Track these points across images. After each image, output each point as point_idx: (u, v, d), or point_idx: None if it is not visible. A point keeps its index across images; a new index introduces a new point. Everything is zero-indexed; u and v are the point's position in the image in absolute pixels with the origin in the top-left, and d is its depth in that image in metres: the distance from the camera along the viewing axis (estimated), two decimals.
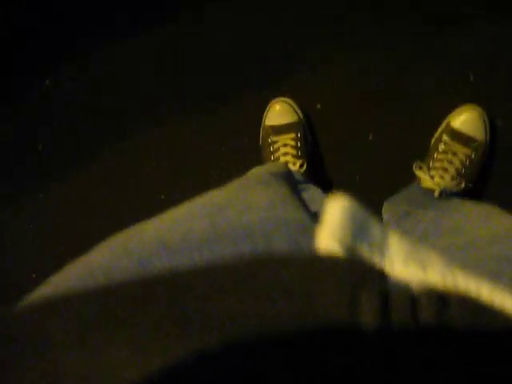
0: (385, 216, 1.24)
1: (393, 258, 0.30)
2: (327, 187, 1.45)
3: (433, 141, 1.36)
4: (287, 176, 1.01)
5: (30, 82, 1.69)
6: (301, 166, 1.36)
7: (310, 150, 1.45)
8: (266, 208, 0.46)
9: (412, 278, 0.29)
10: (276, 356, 0.23)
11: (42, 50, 1.68)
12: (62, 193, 1.67)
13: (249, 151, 1.52)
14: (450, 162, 1.29)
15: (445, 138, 1.32)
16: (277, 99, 1.45)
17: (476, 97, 1.36)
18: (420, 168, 1.30)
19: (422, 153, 1.37)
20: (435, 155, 1.31)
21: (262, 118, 1.47)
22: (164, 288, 0.27)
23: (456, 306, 0.26)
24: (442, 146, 1.31)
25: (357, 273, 0.27)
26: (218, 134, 1.57)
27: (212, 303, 0.25)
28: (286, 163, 1.35)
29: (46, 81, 1.68)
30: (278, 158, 1.39)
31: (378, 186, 1.44)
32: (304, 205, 0.57)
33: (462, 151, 1.29)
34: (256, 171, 1.03)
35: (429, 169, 1.29)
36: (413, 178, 1.33)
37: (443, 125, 1.35)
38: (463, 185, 1.27)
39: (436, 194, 1.23)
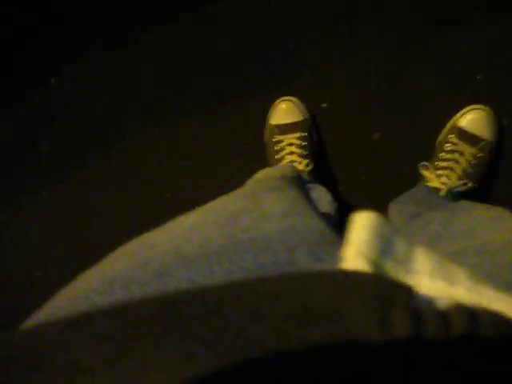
0: (391, 216, 1.24)
1: (419, 273, 0.30)
2: (333, 186, 1.45)
3: (439, 140, 1.35)
4: (297, 179, 1.00)
5: (30, 81, 1.69)
6: (306, 165, 1.35)
7: (316, 149, 1.45)
8: (281, 216, 0.45)
9: (439, 293, 0.29)
10: (307, 378, 0.22)
11: (42, 50, 1.68)
12: (62, 193, 1.67)
13: (253, 150, 1.52)
14: (457, 162, 1.28)
15: (451, 137, 1.31)
16: (282, 98, 1.45)
17: (483, 96, 1.36)
18: (426, 167, 1.30)
19: (428, 152, 1.36)
20: (441, 155, 1.31)
21: (266, 117, 1.47)
22: (192, 308, 0.26)
23: (487, 322, 0.25)
24: (448, 146, 1.31)
25: (385, 290, 0.26)
26: (223, 133, 1.56)
27: (241, 326, 0.24)
28: (293, 165, 1.34)
29: (47, 81, 1.67)
30: (283, 158, 1.39)
31: (383, 186, 1.44)
32: (317, 209, 0.57)
33: (469, 151, 1.29)
34: (265, 175, 1.02)
35: (435, 168, 1.29)
36: (419, 177, 1.33)
37: (449, 124, 1.34)
38: (470, 184, 1.27)
39: (442, 193, 1.23)
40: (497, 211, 0.84)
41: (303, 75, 1.51)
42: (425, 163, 1.30)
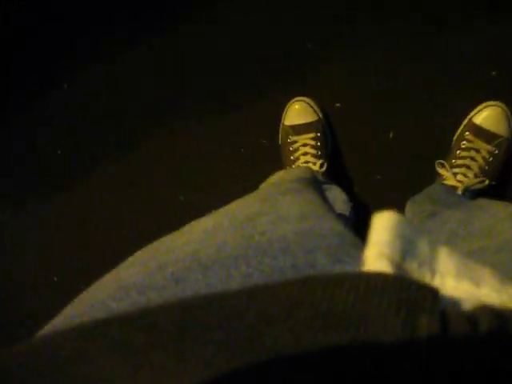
0: (408, 215, 1.23)
1: (443, 274, 0.29)
2: (348, 186, 1.44)
3: (455, 138, 1.34)
4: (313, 181, 1.00)
5: (29, 82, 1.70)
6: (321, 165, 1.35)
7: (330, 149, 1.44)
8: (299, 218, 0.45)
9: (465, 294, 0.28)
10: (330, 381, 0.22)
11: (42, 50, 1.69)
12: (62, 193, 1.68)
13: (268, 152, 1.51)
14: (473, 159, 1.27)
15: (467, 134, 1.30)
16: (296, 99, 1.44)
17: (498, 93, 1.34)
18: (442, 166, 1.29)
19: (444, 150, 1.35)
20: (458, 153, 1.30)
21: (280, 118, 1.46)
22: (210, 314, 0.25)
23: None
24: (464, 143, 1.30)
25: (410, 292, 0.26)
26: (236, 134, 1.56)
27: (264, 334, 0.24)
28: (309, 167, 1.34)
29: (47, 81, 1.69)
30: (297, 158, 1.38)
31: (399, 185, 1.43)
32: (334, 211, 0.56)
33: (485, 148, 1.28)
34: (280, 177, 1.02)
35: (451, 166, 1.28)
36: (435, 176, 1.32)
37: (465, 121, 1.33)
38: (486, 182, 1.26)
39: (459, 191, 1.22)
40: None
41: (317, 75, 1.51)
42: (441, 161, 1.29)
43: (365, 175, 1.47)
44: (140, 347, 0.24)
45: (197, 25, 1.59)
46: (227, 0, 1.57)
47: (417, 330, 0.23)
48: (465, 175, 1.26)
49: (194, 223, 0.51)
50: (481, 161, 1.27)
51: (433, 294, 0.26)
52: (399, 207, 1.28)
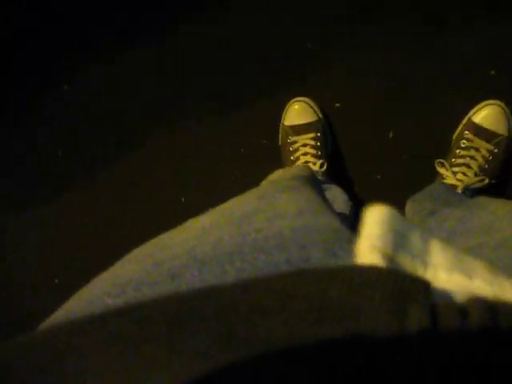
0: (408, 214, 1.23)
1: (436, 266, 0.30)
2: (348, 186, 1.44)
3: (454, 137, 1.35)
4: (312, 179, 1.00)
5: (29, 82, 1.70)
6: (321, 165, 1.35)
7: (330, 149, 1.44)
8: (295, 215, 0.45)
9: (457, 287, 0.28)
10: (315, 373, 0.22)
11: (42, 50, 1.69)
12: (61, 192, 1.68)
13: (268, 152, 1.51)
14: (473, 158, 1.27)
15: (467, 133, 1.30)
16: (295, 99, 1.45)
17: (497, 92, 1.34)
18: (442, 165, 1.29)
19: (444, 149, 1.35)
20: (457, 152, 1.30)
21: (280, 118, 1.47)
22: (204, 307, 0.26)
23: (505, 312, 0.25)
24: (464, 142, 1.30)
25: (402, 284, 0.26)
26: (237, 136, 1.56)
27: (255, 324, 0.24)
28: (308, 165, 1.34)
29: (47, 81, 1.69)
30: (297, 158, 1.39)
31: (399, 184, 1.43)
32: (332, 208, 0.56)
33: (485, 147, 1.28)
34: (279, 175, 1.02)
35: (451, 165, 1.28)
36: (435, 175, 1.32)
37: (465, 120, 1.33)
38: (487, 181, 1.26)
39: (459, 190, 1.22)
40: None
41: (317, 75, 1.51)
42: (441, 160, 1.29)
43: (365, 175, 1.47)
44: (133, 340, 0.24)
45: (197, 25, 1.59)
46: (227, 0, 1.57)
47: (408, 323, 0.24)
48: (465, 174, 1.26)
49: (191, 221, 0.51)
50: (480, 160, 1.27)
51: (425, 286, 0.27)
52: (399, 206, 1.28)
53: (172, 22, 1.60)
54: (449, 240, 0.83)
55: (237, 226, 0.44)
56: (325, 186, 1.30)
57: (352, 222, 1.25)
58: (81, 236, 1.66)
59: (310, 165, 1.35)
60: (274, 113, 1.48)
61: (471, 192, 1.24)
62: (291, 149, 1.40)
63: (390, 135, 1.45)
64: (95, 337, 0.25)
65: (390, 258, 0.29)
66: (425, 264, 0.29)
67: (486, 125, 1.29)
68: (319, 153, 1.38)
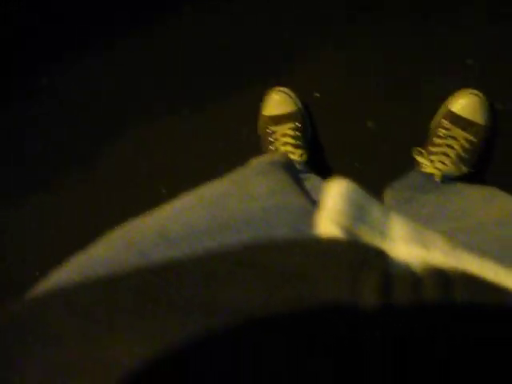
0: (387, 202, 1.24)
1: (394, 238, 0.30)
2: (328, 176, 1.44)
3: (432, 126, 1.35)
4: (288, 165, 1.00)
5: (29, 81, 1.69)
6: (300, 155, 1.35)
7: (310, 139, 1.45)
8: (266, 196, 0.46)
9: (414, 258, 0.29)
10: (277, 339, 0.22)
11: (42, 50, 1.68)
12: (61, 192, 1.67)
13: (248, 143, 1.52)
14: (450, 147, 1.28)
15: (444, 122, 1.31)
16: (274, 89, 1.45)
17: (475, 81, 1.36)
18: (420, 153, 1.30)
19: (422, 138, 1.36)
20: (435, 140, 1.30)
21: (259, 108, 1.47)
22: (164, 276, 0.26)
23: (459, 282, 0.25)
24: (441, 131, 1.30)
25: (357, 253, 0.26)
26: (217, 127, 1.56)
27: (211, 290, 0.24)
28: (286, 153, 1.34)
29: (47, 81, 1.68)
30: (277, 148, 1.39)
31: (378, 173, 1.44)
32: (305, 191, 0.57)
33: (462, 135, 1.29)
34: (256, 161, 1.02)
35: (429, 154, 1.29)
36: (413, 163, 1.33)
37: (442, 109, 1.34)
38: (464, 169, 1.26)
39: (437, 179, 1.23)
40: (489, 191, 0.84)
41: (296, 66, 1.51)
42: (419, 149, 1.30)
43: (344, 164, 1.48)
44: (93, 310, 0.25)
45: (197, 25, 1.59)
46: (227, 0, 1.57)
47: (360, 289, 0.24)
48: (442, 162, 1.27)
49: (164, 205, 0.51)
50: (458, 148, 1.28)
51: (380, 255, 0.27)
52: (378, 194, 1.29)
53: (172, 21, 1.60)
54: (425, 225, 0.83)
55: (208, 208, 0.45)
56: (304, 175, 1.30)
57: None
58: (82, 233, 1.66)
59: (290, 155, 1.35)
60: (255, 103, 1.48)
61: (449, 180, 1.25)
62: (271, 139, 1.40)
63: (369, 124, 1.46)
64: (58, 308, 0.25)
65: (349, 230, 0.29)
66: (383, 236, 0.30)
67: (464, 114, 1.30)
68: (299, 143, 1.38)
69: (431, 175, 1.25)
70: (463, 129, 1.29)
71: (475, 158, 1.31)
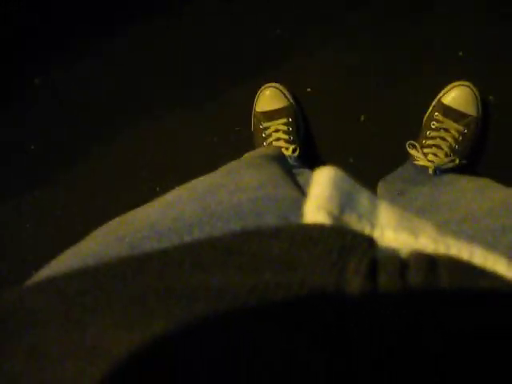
0: (380, 195, 1.24)
1: (383, 226, 0.30)
2: None
3: (425, 118, 1.36)
4: (280, 158, 1.01)
5: (29, 81, 1.69)
6: (294, 150, 1.36)
7: (302, 134, 1.45)
8: (256, 188, 0.46)
9: (402, 244, 0.29)
10: (261, 325, 0.22)
11: (42, 50, 1.68)
12: (60, 192, 1.67)
13: (242, 138, 1.52)
14: (443, 139, 1.28)
15: (437, 115, 1.31)
16: (266, 85, 1.45)
17: (466, 72, 1.36)
18: (413, 146, 1.30)
19: (415, 131, 1.36)
20: (428, 133, 1.31)
21: (251, 105, 1.47)
22: (149, 263, 0.26)
23: (447, 267, 0.25)
24: (434, 123, 1.31)
25: (343, 240, 0.26)
26: (211, 124, 1.56)
27: (197, 277, 0.25)
28: (278, 146, 1.35)
29: (46, 81, 1.67)
30: (270, 144, 1.39)
31: (372, 167, 1.44)
32: (297, 184, 0.57)
33: (455, 127, 1.29)
34: (248, 155, 1.02)
35: (422, 147, 1.29)
36: (407, 156, 1.33)
37: (434, 102, 1.35)
38: (457, 161, 1.27)
39: (430, 171, 1.23)
40: (481, 182, 0.85)
41: (292, 60, 1.51)
42: (412, 142, 1.30)
43: (337, 159, 1.48)
44: (77, 297, 0.25)
45: (197, 25, 1.59)
46: (227, 0, 1.57)
47: (346, 276, 0.24)
48: (435, 155, 1.27)
49: (156, 199, 0.51)
50: (451, 140, 1.29)
51: (367, 241, 0.27)
52: (372, 188, 1.29)
53: (172, 21, 1.60)
54: (416, 215, 0.83)
55: (199, 200, 0.45)
56: (298, 170, 1.30)
57: None
58: (81, 236, 1.65)
59: (283, 150, 1.35)
60: (247, 100, 1.48)
61: (442, 173, 1.25)
62: (263, 135, 1.41)
63: (362, 118, 1.46)
64: (43, 294, 0.25)
65: (336, 218, 0.29)
66: (371, 224, 0.30)
67: (455, 105, 1.31)
68: (291, 138, 1.38)
69: (424, 167, 1.25)
70: (455, 121, 1.30)
71: (467, 149, 1.31)
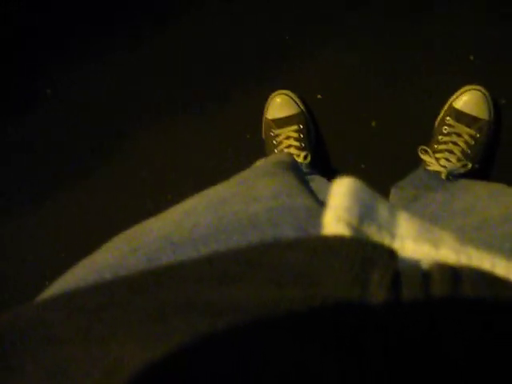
0: (392, 201, 1.23)
1: (403, 237, 0.30)
2: (333, 177, 1.44)
3: (436, 123, 1.35)
4: (293, 165, 1.00)
5: (29, 81, 1.69)
6: (305, 157, 1.35)
7: (314, 140, 1.45)
8: (271, 197, 0.45)
9: (424, 256, 0.29)
10: (283, 339, 0.22)
11: (42, 50, 1.69)
12: (60, 192, 1.67)
13: (252, 146, 1.52)
14: (455, 144, 1.28)
15: (448, 119, 1.31)
16: (276, 92, 1.45)
17: (477, 76, 1.35)
18: (425, 151, 1.29)
19: (427, 136, 1.36)
20: (440, 138, 1.30)
21: (262, 112, 1.47)
22: (167, 277, 0.26)
23: (469, 278, 0.25)
24: (446, 128, 1.30)
25: (364, 252, 0.26)
26: (221, 131, 1.56)
27: (217, 291, 0.24)
28: (290, 153, 1.35)
29: (46, 81, 1.68)
30: (281, 151, 1.39)
31: (384, 173, 1.44)
32: (311, 192, 0.56)
33: (467, 132, 1.28)
34: (261, 162, 1.02)
35: (434, 152, 1.29)
36: (419, 162, 1.32)
37: (446, 107, 1.34)
38: (470, 166, 1.26)
39: (443, 176, 1.23)
40: (495, 187, 0.84)
41: (302, 67, 1.51)
42: (424, 147, 1.30)
43: (349, 165, 1.47)
44: (96, 313, 0.25)
45: (197, 25, 1.60)
46: (227, 0, 1.58)
47: (369, 289, 0.24)
48: (448, 160, 1.27)
49: (170, 209, 0.51)
50: (463, 145, 1.28)
51: (388, 253, 0.27)
52: (384, 195, 1.29)
53: (172, 21, 1.60)
54: (432, 223, 0.83)
55: (214, 210, 0.45)
56: (310, 177, 1.30)
57: None
58: (81, 236, 1.66)
59: (294, 157, 1.35)
60: (257, 107, 1.48)
61: (455, 177, 1.24)
62: (275, 142, 1.40)
63: (373, 124, 1.45)
64: (60, 311, 0.25)
65: (356, 229, 0.29)
66: (392, 235, 0.30)
67: (467, 110, 1.30)
68: (303, 145, 1.38)
69: (437, 173, 1.25)
70: (467, 125, 1.29)
71: (480, 154, 1.31)
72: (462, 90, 1.32)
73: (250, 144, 1.53)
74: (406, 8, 1.46)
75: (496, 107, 1.34)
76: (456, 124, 1.29)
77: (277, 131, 1.41)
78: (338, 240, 0.27)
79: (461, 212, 0.79)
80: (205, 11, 1.59)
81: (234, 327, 0.22)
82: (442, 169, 1.24)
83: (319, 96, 1.48)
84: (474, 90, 1.31)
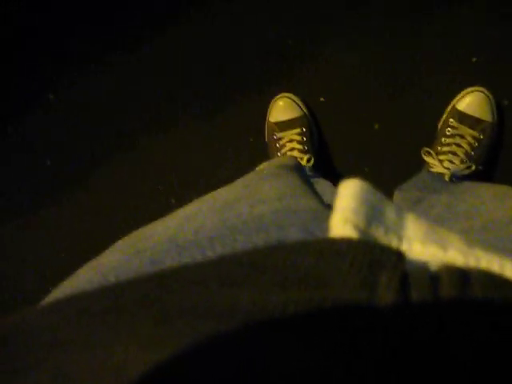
0: (396, 203, 1.23)
1: (410, 239, 0.30)
2: (336, 180, 1.44)
3: (440, 125, 1.35)
4: (297, 168, 1.00)
5: (29, 82, 1.69)
6: (308, 160, 1.35)
7: (316, 143, 1.44)
8: (276, 199, 0.45)
9: (432, 258, 0.28)
10: (288, 342, 0.22)
11: (42, 50, 1.69)
12: (60, 192, 1.67)
13: (255, 150, 1.51)
14: (459, 146, 1.28)
15: (451, 121, 1.31)
16: (279, 95, 1.45)
17: (480, 78, 1.35)
18: (428, 153, 1.29)
19: (430, 138, 1.36)
20: (443, 140, 1.30)
21: (265, 115, 1.47)
22: (173, 280, 0.26)
23: (478, 280, 0.25)
24: (449, 130, 1.30)
25: (372, 254, 0.26)
26: (224, 134, 1.56)
27: (222, 294, 0.24)
28: (293, 155, 1.35)
29: (46, 81, 1.68)
30: (284, 154, 1.39)
31: (387, 175, 1.44)
32: (316, 194, 0.56)
33: (470, 133, 1.28)
34: (265, 165, 1.02)
35: (437, 154, 1.28)
36: (422, 164, 1.32)
37: (449, 108, 1.34)
38: (473, 167, 1.26)
39: (446, 178, 1.22)
40: (500, 189, 0.84)
41: (304, 70, 1.51)
42: (427, 149, 1.30)
43: (352, 168, 1.47)
44: (100, 316, 0.24)
45: (197, 25, 1.60)
46: (227, 0, 1.58)
47: (377, 291, 0.24)
48: (451, 162, 1.26)
49: (175, 211, 0.51)
50: (466, 146, 1.28)
51: (396, 255, 0.27)
52: (388, 197, 1.28)
53: (172, 22, 1.61)
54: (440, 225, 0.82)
55: (219, 213, 0.45)
56: (313, 179, 1.30)
57: None
58: (81, 237, 1.66)
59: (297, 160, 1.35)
60: (258, 108, 1.48)
61: (458, 179, 1.24)
62: (278, 145, 1.40)
63: (376, 127, 1.45)
64: (66, 314, 0.25)
65: (364, 231, 0.29)
66: (399, 237, 0.29)
67: (470, 112, 1.30)
68: (306, 148, 1.38)
69: (440, 175, 1.25)
70: (470, 127, 1.29)
71: (484, 155, 1.31)
72: (464, 92, 1.32)
73: (253, 147, 1.53)
74: (406, 8, 1.46)
75: (499, 109, 1.34)
76: (459, 126, 1.29)
77: (280, 134, 1.40)
78: (345, 242, 0.27)
79: (465, 214, 0.79)
80: (205, 11, 1.59)
81: (239, 330, 0.22)
82: (445, 171, 1.24)
83: (322, 99, 1.48)
84: (477, 91, 1.31)
